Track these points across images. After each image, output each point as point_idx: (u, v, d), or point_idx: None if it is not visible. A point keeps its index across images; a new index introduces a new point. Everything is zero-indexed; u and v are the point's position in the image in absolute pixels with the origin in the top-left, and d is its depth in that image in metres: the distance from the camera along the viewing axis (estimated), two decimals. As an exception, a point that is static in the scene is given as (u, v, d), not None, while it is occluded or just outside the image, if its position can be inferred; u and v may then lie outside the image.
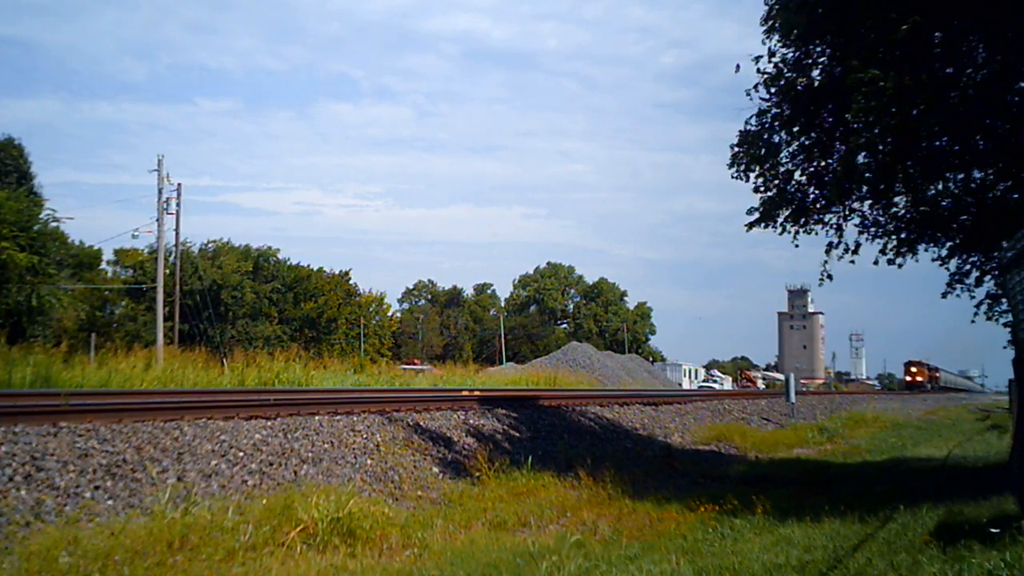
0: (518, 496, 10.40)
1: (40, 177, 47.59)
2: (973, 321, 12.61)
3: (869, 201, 11.77)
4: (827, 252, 12.19)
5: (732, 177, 12.14)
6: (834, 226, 12.18)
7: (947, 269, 12.41)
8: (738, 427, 21.81)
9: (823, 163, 11.74)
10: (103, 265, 55.52)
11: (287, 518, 7.49)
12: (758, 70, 11.66)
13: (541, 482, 11.24)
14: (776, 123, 11.76)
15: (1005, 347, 11.35)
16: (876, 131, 9.87)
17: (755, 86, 11.72)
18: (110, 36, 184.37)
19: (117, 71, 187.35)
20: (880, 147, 10.20)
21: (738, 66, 11.62)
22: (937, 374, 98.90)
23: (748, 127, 11.93)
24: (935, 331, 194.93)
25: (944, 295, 12.55)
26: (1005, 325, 12.02)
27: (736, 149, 11.96)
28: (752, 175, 11.96)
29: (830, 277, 12.25)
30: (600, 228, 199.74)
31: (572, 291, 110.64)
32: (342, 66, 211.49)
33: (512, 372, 49.70)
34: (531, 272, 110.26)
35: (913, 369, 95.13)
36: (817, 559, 6.57)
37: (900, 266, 12.21)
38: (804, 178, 12.04)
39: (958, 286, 12.46)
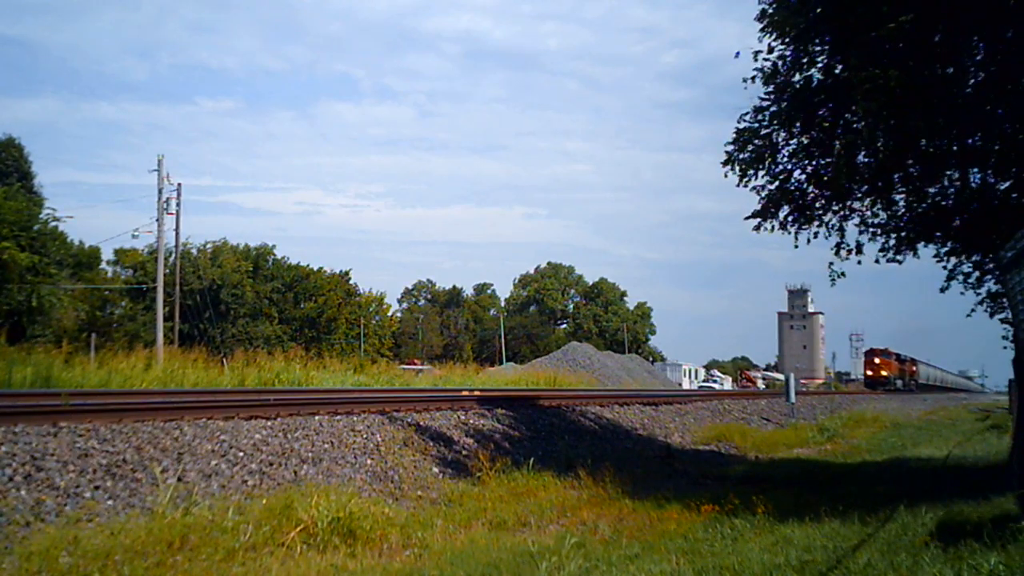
0: (518, 496, 10.40)
1: (41, 177, 47.77)
2: (969, 315, 12.65)
3: (869, 200, 11.78)
4: (835, 252, 12.19)
5: (724, 176, 12.13)
6: (835, 226, 12.19)
7: (945, 267, 12.44)
8: (738, 427, 21.82)
9: (823, 162, 11.75)
10: (103, 265, 55.54)
11: (287, 518, 7.49)
12: (758, 69, 11.67)
13: (541, 482, 11.25)
14: (775, 121, 11.77)
15: (1005, 347, 11.37)
16: (876, 130, 9.87)
17: (752, 78, 11.71)
18: (111, 36, 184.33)
19: (118, 71, 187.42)
20: (880, 146, 10.20)
21: (737, 53, 11.63)
22: (915, 368, 75.13)
23: (745, 123, 11.90)
24: (936, 329, 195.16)
25: (943, 290, 12.58)
26: (1003, 321, 12.05)
27: (732, 148, 11.93)
28: (751, 173, 11.94)
29: (843, 275, 12.26)
30: (600, 228, 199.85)
31: (572, 291, 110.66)
32: (343, 66, 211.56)
33: (512, 372, 49.69)
34: (531, 272, 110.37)
35: (876, 360, 69.17)
36: (817, 559, 6.57)
37: (900, 262, 12.23)
38: (804, 177, 12.04)
39: (954, 282, 12.48)
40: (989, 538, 6.33)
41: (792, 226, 12.19)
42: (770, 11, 11.39)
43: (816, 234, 12.23)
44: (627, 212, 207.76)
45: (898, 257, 12.18)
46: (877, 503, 9.22)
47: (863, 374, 74.65)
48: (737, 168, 11.88)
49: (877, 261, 12.16)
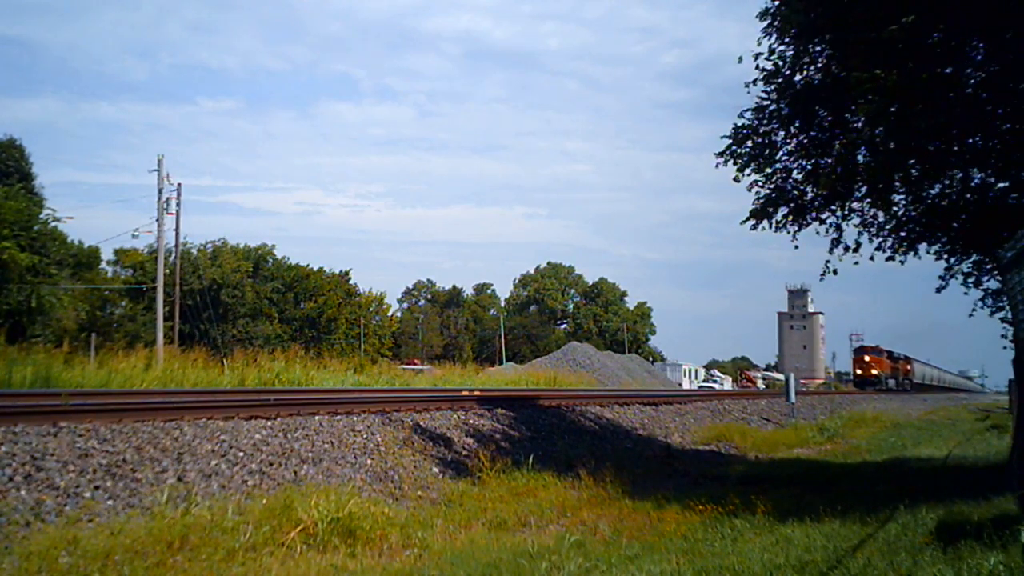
0: (518, 496, 10.40)
1: (41, 177, 47.66)
2: (972, 315, 12.66)
3: (868, 200, 11.79)
4: (830, 251, 12.22)
5: (716, 167, 12.13)
6: (833, 225, 12.21)
7: (945, 267, 12.45)
8: (738, 427, 21.81)
9: (822, 162, 11.76)
10: (103, 265, 55.57)
11: (287, 518, 7.49)
12: (757, 67, 11.70)
13: (541, 482, 11.25)
14: (774, 120, 11.78)
15: (1005, 347, 11.37)
16: (877, 130, 9.88)
17: (754, 81, 11.75)
18: (111, 36, 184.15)
19: (118, 71, 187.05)
20: (880, 146, 10.21)
21: (740, 58, 11.68)
22: (909, 366, 71.55)
23: (745, 120, 11.92)
24: (936, 329, 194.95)
25: (939, 290, 12.59)
26: (1003, 320, 12.06)
27: (730, 142, 11.95)
28: (748, 171, 11.96)
29: (835, 272, 12.29)
30: (600, 228, 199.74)
31: (572, 291, 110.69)
32: (343, 66, 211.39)
33: (512, 372, 49.70)
34: (531, 272, 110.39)
35: (867, 359, 64.99)
36: (817, 559, 6.57)
37: (902, 262, 12.25)
38: (802, 176, 12.06)
39: (953, 281, 12.50)
40: (989, 538, 6.33)
41: (792, 225, 12.21)
42: (772, 9, 11.41)
43: (808, 225, 12.24)
44: (627, 212, 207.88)
45: (898, 256, 12.19)
46: (877, 503, 9.22)
47: (852, 373, 70.63)
48: (735, 162, 11.91)
49: (871, 258, 12.20)
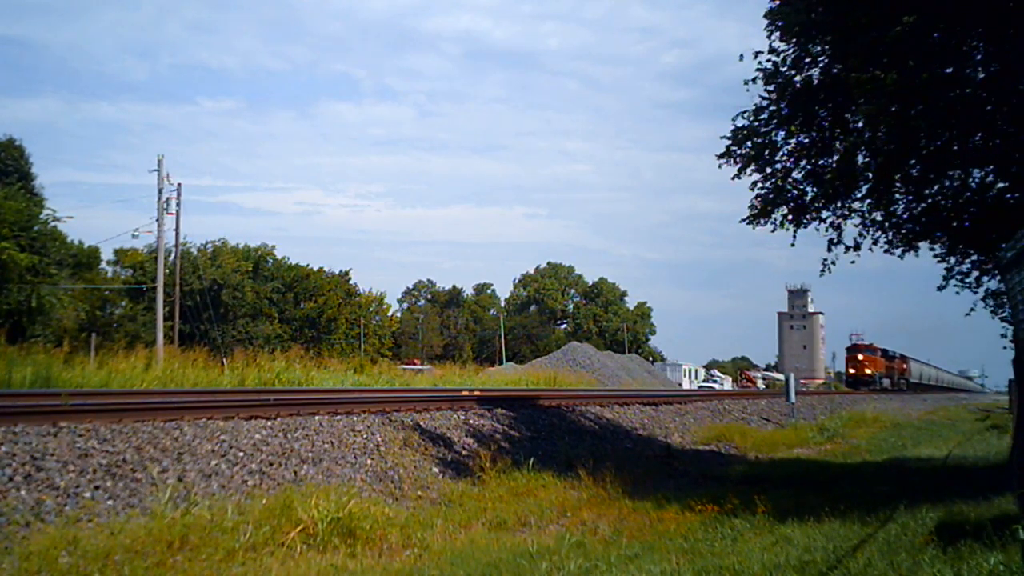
0: (518, 496, 10.40)
1: (41, 177, 47.76)
2: (968, 314, 12.69)
3: (868, 200, 11.80)
4: (829, 250, 12.26)
5: (719, 167, 12.17)
6: (833, 224, 12.23)
7: (946, 267, 12.48)
8: (738, 427, 21.82)
9: (822, 162, 11.77)
10: (103, 265, 55.57)
11: (287, 518, 7.49)
12: (758, 66, 11.70)
13: (541, 482, 11.25)
14: (774, 120, 11.80)
15: (1005, 347, 11.38)
16: (877, 130, 9.89)
17: (753, 79, 11.76)
18: (111, 36, 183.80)
19: (118, 71, 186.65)
20: (880, 146, 10.22)
21: (741, 56, 11.71)
22: (905, 365, 69.01)
23: (744, 121, 11.94)
24: (936, 329, 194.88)
25: (940, 288, 12.62)
26: (1003, 320, 12.07)
27: (729, 143, 11.97)
28: (748, 170, 11.99)
29: (834, 263, 12.33)
30: (600, 228, 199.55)
31: (572, 291, 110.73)
32: (343, 66, 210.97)
33: (512, 372, 49.72)
34: (531, 272, 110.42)
35: (860, 357, 62.84)
36: (817, 559, 6.57)
37: (901, 257, 12.32)
38: (802, 176, 12.07)
39: (952, 281, 12.53)
40: (989, 538, 6.33)
41: (791, 225, 12.22)
42: (774, 8, 11.43)
43: (807, 224, 12.27)
44: (627, 212, 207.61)
45: (896, 252, 12.24)
46: (877, 503, 9.22)
47: (845, 372, 67.94)
48: (734, 162, 11.93)
49: (870, 250, 12.26)
